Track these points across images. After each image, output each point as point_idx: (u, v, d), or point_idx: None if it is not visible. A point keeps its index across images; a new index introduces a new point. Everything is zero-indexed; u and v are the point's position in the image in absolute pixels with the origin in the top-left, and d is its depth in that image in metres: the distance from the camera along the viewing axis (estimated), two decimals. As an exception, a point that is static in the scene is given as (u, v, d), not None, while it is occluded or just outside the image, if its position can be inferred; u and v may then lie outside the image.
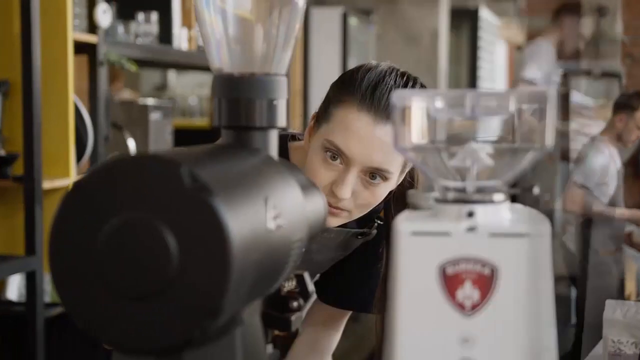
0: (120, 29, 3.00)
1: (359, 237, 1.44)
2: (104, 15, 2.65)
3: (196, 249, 0.60)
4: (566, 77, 8.37)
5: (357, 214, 1.31)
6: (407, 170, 1.34)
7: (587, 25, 4.82)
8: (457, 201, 0.68)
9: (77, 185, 0.63)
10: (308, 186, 0.84)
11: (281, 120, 0.81)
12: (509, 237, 0.66)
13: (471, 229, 0.66)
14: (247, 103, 0.79)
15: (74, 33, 2.56)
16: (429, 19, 5.57)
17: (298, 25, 0.83)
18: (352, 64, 6.14)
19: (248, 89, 0.79)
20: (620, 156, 4.68)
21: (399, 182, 1.34)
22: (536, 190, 4.18)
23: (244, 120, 0.79)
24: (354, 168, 1.25)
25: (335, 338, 1.56)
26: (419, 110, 0.69)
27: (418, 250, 0.67)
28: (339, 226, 1.41)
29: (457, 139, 0.71)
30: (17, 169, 2.44)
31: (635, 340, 1.81)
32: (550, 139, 0.67)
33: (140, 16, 3.10)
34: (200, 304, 0.61)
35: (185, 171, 0.60)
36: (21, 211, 2.41)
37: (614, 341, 1.92)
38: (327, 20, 4.90)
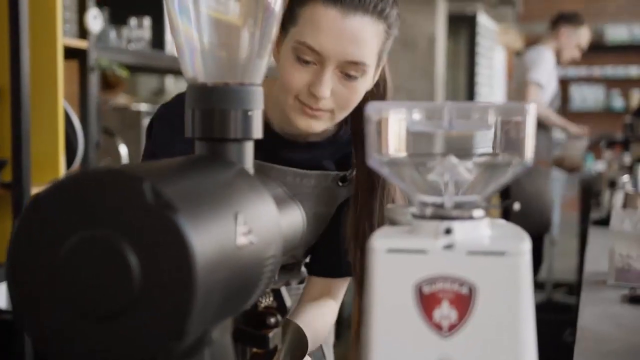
0: (113, 34, 2.98)
1: (340, 183, 1.40)
2: (95, 20, 2.62)
3: (159, 268, 0.57)
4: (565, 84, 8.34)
5: (340, 115, 1.29)
6: (382, 64, 1.33)
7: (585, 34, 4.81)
8: (434, 217, 0.66)
9: (37, 199, 0.60)
10: (284, 199, 0.82)
11: (257, 132, 0.78)
12: (487, 255, 0.63)
13: (448, 247, 0.64)
14: (222, 114, 0.76)
15: (64, 38, 2.53)
16: (426, 25, 5.55)
17: (275, 32, 0.80)
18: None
19: (222, 99, 0.76)
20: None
21: (375, 79, 1.32)
22: (516, 206, 4.15)
23: (218, 131, 0.76)
24: (329, 65, 1.23)
25: (335, 308, 1.49)
26: (395, 123, 0.66)
27: (394, 269, 0.64)
28: (317, 169, 1.38)
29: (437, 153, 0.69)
30: (6, 175, 2.41)
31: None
32: (530, 153, 0.64)
33: (133, 21, 3.08)
34: (164, 325, 0.58)
35: (148, 187, 0.58)
36: (9, 218, 2.38)
37: (622, 255, 1.79)
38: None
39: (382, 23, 1.25)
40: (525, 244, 0.63)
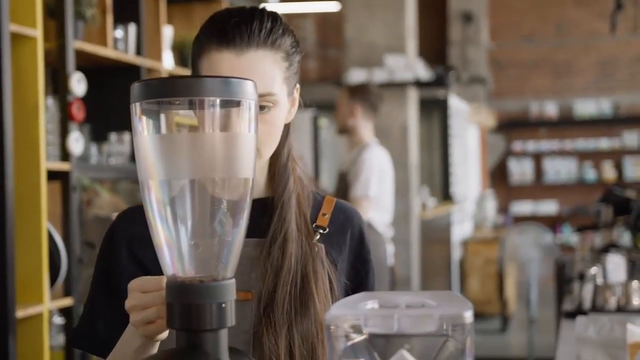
0: (94, 149, 3.08)
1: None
2: (77, 143, 2.73)
3: None
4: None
5: (267, 152, 1.28)
6: (296, 96, 1.32)
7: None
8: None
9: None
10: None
11: (230, 320, 0.87)
12: None
13: None
14: (198, 308, 0.85)
15: (47, 162, 2.62)
16: (398, 113, 5.70)
17: (243, 232, 0.90)
18: (324, 165, 6.24)
19: (198, 295, 0.86)
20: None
21: (293, 113, 1.33)
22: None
23: (195, 324, 0.85)
24: None
25: None
26: (352, 329, 0.75)
27: None
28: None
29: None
30: (-9, 298, 2.47)
31: (612, 361, 1.67)
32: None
33: (113, 136, 3.19)
34: None
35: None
36: (-5, 342, 2.43)
37: None
38: (298, 124, 5.00)
39: (277, 52, 1.27)
40: None
